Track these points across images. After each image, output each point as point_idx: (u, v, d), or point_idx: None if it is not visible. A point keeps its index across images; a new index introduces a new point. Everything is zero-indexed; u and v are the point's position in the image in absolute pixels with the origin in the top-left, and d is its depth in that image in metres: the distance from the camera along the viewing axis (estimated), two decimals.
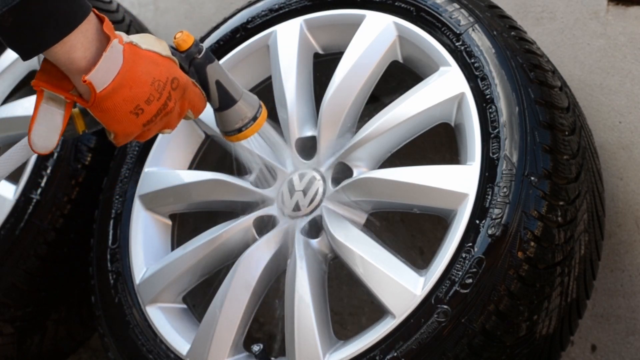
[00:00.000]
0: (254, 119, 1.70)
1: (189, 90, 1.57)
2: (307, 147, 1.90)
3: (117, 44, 1.46)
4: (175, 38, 1.62)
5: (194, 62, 1.63)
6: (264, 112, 1.72)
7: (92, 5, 2.23)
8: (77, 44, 1.41)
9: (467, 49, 1.75)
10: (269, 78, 1.98)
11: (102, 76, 1.44)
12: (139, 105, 1.48)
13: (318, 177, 1.85)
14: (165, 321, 1.89)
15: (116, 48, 1.45)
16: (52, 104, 1.47)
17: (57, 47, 1.40)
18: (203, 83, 1.64)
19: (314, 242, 1.80)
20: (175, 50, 1.62)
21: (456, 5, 1.80)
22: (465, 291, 1.59)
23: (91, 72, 1.42)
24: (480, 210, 1.62)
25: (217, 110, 1.68)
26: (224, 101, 1.67)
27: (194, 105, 1.60)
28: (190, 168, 2.05)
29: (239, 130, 1.69)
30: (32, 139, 1.48)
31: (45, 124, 1.48)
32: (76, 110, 1.55)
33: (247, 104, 1.69)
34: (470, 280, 1.59)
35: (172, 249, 1.99)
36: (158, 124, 1.54)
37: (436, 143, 2.12)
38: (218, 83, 1.65)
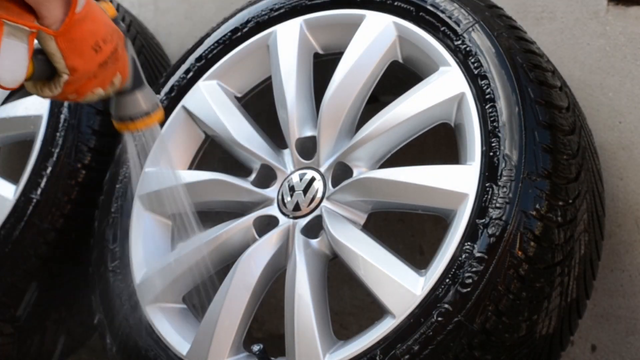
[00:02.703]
0: (158, 105, 1.70)
1: (122, 51, 1.60)
2: (307, 147, 1.90)
3: None
4: (100, 3, 1.63)
5: None
6: (161, 111, 1.71)
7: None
8: None
9: (467, 49, 1.75)
10: (269, 78, 1.98)
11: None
12: (98, 42, 1.52)
13: (318, 177, 1.85)
14: (165, 321, 1.89)
15: None
16: (13, 38, 1.47)
17: None
18: None
19: (314, 242, 1.80)
20: None
21: (456, 5, 1.80)
22: (465, 291, 1.59)
23: None
24: (480, 210, 1.63)
25: (127, 92, 1.66)
26: (136, 80, 1.66)
27: (124, 68, 1.61)
28: (190, 168, 2.05)
29: (147, 113, 1.68)
30: (1, 74, 1.47)
31: (10, 57, 1.47)
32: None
33: (151, 92, 1.69)
34: (470, 280, 1.59)
35: (172, 249, 1.99)
36: (104, 72, 1.55)
37: (436, 143, 2.12)
38: (133, 60, 1.66)
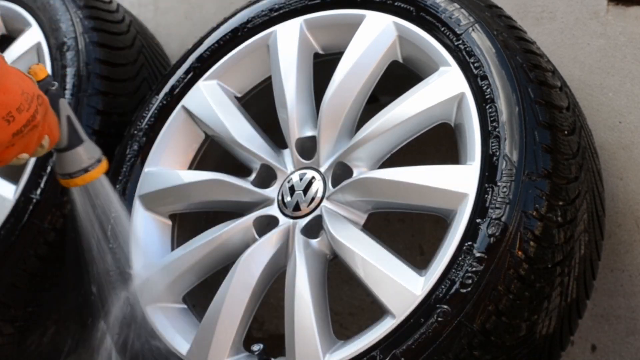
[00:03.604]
0: (99, 160, 1.73)
1: (49, 113, 1.61)
2: (307, 147, 1.89)
3: None
4: (30, 68, 1.66)
5: (48, 92, 1.65)
6: (103, 165, 1.74)
7: (92, 6, 2.25)
8: None
9: (467, 49, 1.75)
10: (269, 78, 1.98)
11: None
12: (11, 112, 1.51)
13: (318, 177, 1.85)
14: (165, 321, 1.88)
15: None
16: None
17: None
18: (57, 115, 1.67)
19: (314, 242, 1.80)
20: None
21: (456, 5, 1.80)
22: (465, 291, 1.59)
23: None
24: (480, 210, 1.62)
25: (64, 149, 1.70)
26: (72, 138, 1.69)
27: (51, 131, 1.63)
28: (190, 168, 2.05)
29: (86, 170, 1.71)
30: None
31: None
32: None
33: (92, 147, 1.72)
34: (470, 280, 1.59)
35: (172, 249, 1.99)
36: (23, 139, 1.55)
37: (436, 143, 2.12)
38: (69, 119, 1.68)
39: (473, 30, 1.76)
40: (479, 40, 1.75)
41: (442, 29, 1.79)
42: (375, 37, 1.86)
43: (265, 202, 1.89)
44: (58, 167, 1.73)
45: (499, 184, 1.62)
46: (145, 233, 1.98)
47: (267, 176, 1.92)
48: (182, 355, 1.83)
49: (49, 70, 2.18)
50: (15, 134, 1.53)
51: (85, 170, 1.72)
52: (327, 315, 1.75)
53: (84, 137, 1.71)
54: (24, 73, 1.59)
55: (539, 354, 1.67)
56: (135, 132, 2.05)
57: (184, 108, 2.03)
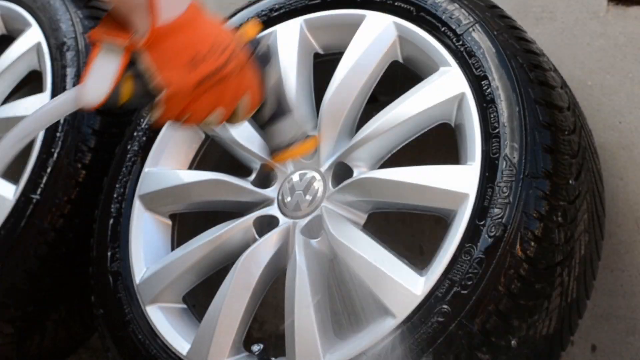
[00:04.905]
0: (304, 134, 1.62)
1: (248, 69, 1.49)
2: None
3: None
4: (242, 26, 1.55)
5: (255, 53, 1.52)
6: (310, 142, 1.64)
7: (92, 6, 2.25)
8: None
9: (468, 49, 1.75)
10: None
11: (166, 3, 1.40)
12: (198, 55, 1.42)
13: (318, 177, 1.85)
14: (165, 321, 1.89)
15: None
16: (108, 56, 1.41)
17: None
18: (261, 79, 1.54)
19: (314, 242, 1.80)
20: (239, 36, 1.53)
21: (456, 5, 1.80)
22: (465, 291, 1.59)
23: None
24: (480, 210, 1.63)
25: (274, 120, 1.58)
26: (279, 108, 1.57)
27: (252, 88, 1.50)
28: (190, 168, 2.05)
29: (289, 144, 1.60)
30: (84, 89, 1.41)
31: (99, 74, 1.41)
32: (129, 74, 1.45)
33: (299, 120, 1.60)
34: (470, 281, 1.59)
35: (172, 249, 1.99)
36: (211, 92, 1.45)
37: (436, 143, 2.12)
38: (275, 86, 1.56)
39: (473, 30, 1.76)
40: (480, 41, 1.75)
41: (443, 29, 1.79)
42: (375, 37, 1.86)
43: (266, 202, 1.89)
44: (272, 142, 1.60)
45: (499, 184, 1.62)
46: (145, 233, 1.98)
47: (267, 176, 1.92)
48: (182, 355, 1.83)
49: (48, 70, 2.18)
50: (200, 82, 1.43)
51: (289, 144, 1.60)
52: (327, 315, 1.75)
53: (290, 108, 1.57)
54: (227, 27, 1.48)
55: (539, 354, 1.67)
56: (135, 132, 2.05)
57: None
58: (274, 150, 1.61)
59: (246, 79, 1.49)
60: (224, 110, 1.49)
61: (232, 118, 1.52)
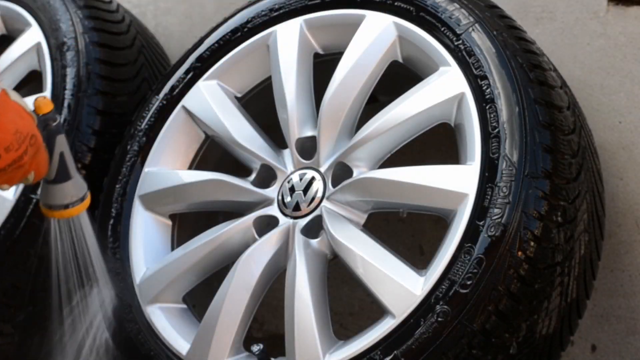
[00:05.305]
0: (82, 199, 1.74)
1: (40, 152, 1.61)
2: (307, 147, 1.90)
3: None
4: (36, 100, 1.66)
5: (47, 128, 1.66)
6: (89, 197, 1.75)
7: (92, 6, 2.25)
8: None
9: (467, 49, 1.75)
10: (269, 78, 1.98)
11: None
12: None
13: (318, 177, 1.85)
14: (165, 321, 1.89)
15: None
16: None
17: None
18: (49, 151, 1.67)
19: (314, 242, 1.80)
20: (33, 111, 1.66)
21: (456, 5, 1.80)
22: (465, 291, 1.59)
23: None
24: (480, 210, 1.62)
25: (51, 182, 1.71)
26: (61, 174, 1.70)
27: (38, 168, 1.63)
28: (190, 168, 2.05)
29: (66, 206, 1.73)
30: None
31: None
32: None
33: (79, 184, 1.73)
34: (470, 281, 1.59)
35: (172, 249, 1.99)
36: (6, 175, 1.56)
37: (436, 143, 2.12)
38: (62, 155, 1.69)
39: (473, 30, 1.76)
40: (479, 40, 1.75)
41: (442, 29, 1.79)
42: (375, 37, 1.86)
43: (265, 202, 1.89)
44: (42, 196, 1.74)
45: (499, 184, 1.62)
46: (145, 233, 1.98)
47: (267, 176, 1.92)
48: (182, 356, 1.83)
49: (48, 71, 2.18)
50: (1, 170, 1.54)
51: (65, 206, 1.73)
52: (327, 315, 1.75)
53: (72, 174, 1.72)
54: (25, 108, 1.59)
55: (539, 354, 1.67)
56: (135, 132, 2.05)
57: (184, 108, 2.03)
58: (49, 207, 1.73)
59: (36, 161, 1.62)
60: (8, 186, 1.61)
61: (17, 184, 1.67)
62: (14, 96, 1.57)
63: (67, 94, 2.09)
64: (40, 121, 1.65)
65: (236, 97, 2.03)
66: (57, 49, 2.17)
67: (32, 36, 2.25)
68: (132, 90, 2.18)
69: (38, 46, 2.22)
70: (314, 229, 1.82)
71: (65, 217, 1.75)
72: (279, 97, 1.93)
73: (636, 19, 1.95)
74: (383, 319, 1.67)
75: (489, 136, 1.67)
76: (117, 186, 2.03)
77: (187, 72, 2.05)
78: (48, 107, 1.66)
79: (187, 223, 2.04)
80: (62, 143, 1.69)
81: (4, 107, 1.52)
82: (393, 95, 1.83)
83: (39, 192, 1.72)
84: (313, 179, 1.85)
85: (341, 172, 1.84)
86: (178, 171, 2.01)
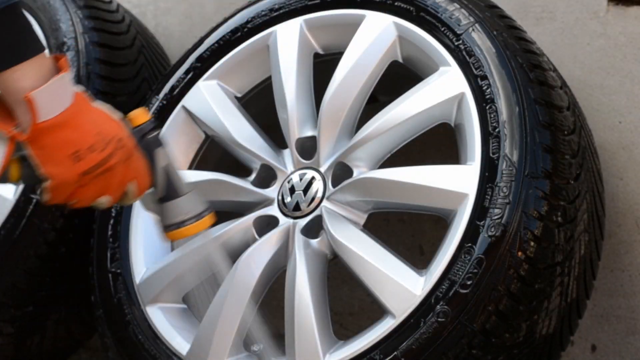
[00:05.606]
0: (198, 217, 1.62)
1: (134, 158, 1.54)
2: (307, 147, 1.90)
3: (69, 79, 1.46)
4: (131, 112, 1.58)
5: (144, 139, 1.57)
6: (211, 216, 1.64)
7: (92, 6, 2.25)
8: (27, 74, 1.41)
9: (467, 49, 1.75)
10: (269, 78, 1.98)
11: (46, 103, 1.43)
12: (79, 151, 1.46)
13: (318, 177, 1.85)
14: (165, 321, 1.88)
15: (67, 82, 1.45)
16: None
17: (6, 73, 1.40)
18: (150, 165, 1.58)
19: (314, 242, 1.80)
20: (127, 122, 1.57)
21: (456, 5, 1.80)
22: (465, 291, 1.59)
23: (36, 90, 1.41)
24: (480, 210, 1.62)
25: (161, 200, 1.61)
26: (170, 190, 1.60)
27: (139, 176, 1.55)
28: (190, 168, 2.05)
29: (178, 225, 1.61)
30: None
31: None
32: (16, 157, 1.50)
33: (194, 201, 1.62)
34: (470, 281, 1.59)
35: (172, 249, 1.99)
36: (97, 182, 1.49)
37: (436, 143, 2.12)
38: (166, 169, 1.59)
39: (473, 30, 1.76)
40: (479, 40, 1.75)
41: (442, 29, 1.79)
42: (375, 37, 1.86)
43: (265, 202, 1.89)
44: (162, 219, 1.63)
45: (499, 184, 1.62)
46: (145, 233, 1.98)
47: (267, 176, 1.92)
48: (182, 356, 1.83)
49: None
50: (84, 173, 1.47)
51: (178, 225, 1.61)
52: (327, 315, 1.75)
53: (184, 190, 1.60)
54: (113, 115, 1.52)
55: (539, 354, 1.67)
56: None
57: (184, 108, 2.03)
58: (166, 227, 1.62)
59: (132, 167, 1.54)
60: (110, 197, 1.53)
61: (122, 200, 1.57)
62: (98, 103, 1.52)
63: None
64: (136, 132, 1.55)
65: (236, 97, 2.04)
66: (57, 49, 2.17)
67: None
68: (132, 90, 2.18)
69: None
70: (314, 229, 1.82)
71: (181, 237, 1.63)
72: (279, 97, 1.93)
73: (636, 19, 1.95)
74: (383, 319, 1.67)
75: (489, 136, 1.67)
76: None
77: (187, 72, 2.05)
78: (143, 117, 1.58)
79: None
80: (164, 156, 1.58)
81: (84, 109, 1.48)
82: (393, 95, 1.83)
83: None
84: (313, 179, 1.85)
85: (341, 172, 1.84)
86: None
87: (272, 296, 1.87)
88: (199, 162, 2.05)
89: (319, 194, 1.83)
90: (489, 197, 1.62)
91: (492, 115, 1.68)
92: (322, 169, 1.85)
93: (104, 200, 1.53)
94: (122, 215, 2.00)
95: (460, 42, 1.76)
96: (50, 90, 1.43)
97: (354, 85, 1.84)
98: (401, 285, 1.66)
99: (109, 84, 2.13)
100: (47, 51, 1.43)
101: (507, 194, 1.61)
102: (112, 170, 1.50)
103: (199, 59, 2.05)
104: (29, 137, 1.44)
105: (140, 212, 1.99)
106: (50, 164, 1.46)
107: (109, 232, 2.00)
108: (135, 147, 1.54)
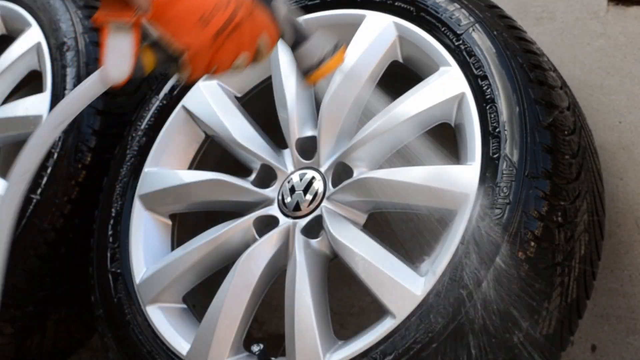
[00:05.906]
0: (334, 50, 1.65)
1: (257, 11, 1.56)
2: (307, 147, 1.90)
3: None
4: None
5: None
6: (344, 47, 1.67)
7: (92, 6, 2.25)
8: None
9: (468, 49, 1.75)
10: (269, 78, 1.98)
11: None
12: (204, 15, 1.49)
13: (318, 177, 1.85)
14: (165, 321, 1.89)
15: None
16: (118, 35, 1.46)
17: None
18: (272, 16, 1.60)
19: (314, 242, 1.80)
20: None
21: (456, 5, 1.80)
22: (466, 291, 1.59)
23: None
24: (480, 210, 1.62)
25: (294, 48, 1.64)
26: (297, 36, 1.63)
27: (267, 27, 1.57)
28: (190, 168, 2.05)
29: (317, 65, 1.64)
30: (106, 70, 1.47)
31: (116, 53, 1.47)
32: (146, 45, 1.52)
33: (324, 37, 1.65)
34: (470, 280, 1.59)
35: (172, 249, 1.99)
36: (230, 41, 1.52)
37: (436, 143, 2.12)
38: (287, 17, 1.62)
39: (473, 30, 1.76)
40: (479, 40, 1.75)
41: (443, 29, 1.79)
42: (375, 37, 1.86)
43: (265, 202, 1.89)
44: (299, 66, 1.66)
45: (499, 184, 1.62)
46: (145, 233, 1.98)
47: (267, 176, 1.93)
48: (182, 356, 1.83)
49: (48, 70, 2.18)
50: (216, 34, 1.50)
51: (318, 64, 1.64)
52: (327, 315, 1.75)
53: (309, 32, 1.63)
54: None
55: (539, 354, 1.67)
56: (135, 132, 2.05)
57: (184, 108, 2.03)
58: (305, 73, 1.65)
59: (258, 20, 1.56)
60: (247, 53, 1.55)
61: (257, 57, 1.59)
62: None
63: (67, 93, 2.09)
64: None
65: (236, 97, 2.04)
66: (57, 49, 2.17)
67: (32, 36, 2.25)
68: (132, 90, 2.18)
69: (38, 46, 2.22)
70: (314, 229, 1.82)
71: (323, 76, 1.65)
72: (279, 97, 1.93)
73: (636, 19, 1.95)
74: (383, 319, 1.67)
75: (489, 136, 1.67)
76: (117, 186, 2.03)
77: None
78: None
79: (187, 223, 2.04)
80: (282, 6, 1.61)
81: None
82: (393, 95, 1.83)
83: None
84: (313, 179, 1.85)
85: (341, 172, 1.84)
86: (178, 171, 2.01)
87: (272, 296, 1.87)
88: (199, 162, 2.05)
89: (319, 194, 1.83)
90: (489, 197, 1.62)
91: (492, 116, 1.68)
92: (322, 169, 1.85)
93: (242, 59, 1.55)
94: (122, 215, 2.00)
95: (461, 42, 1.76)
96: None
97: (354, 85, 1.84)
98: (401, 285, 1.66)
99: None
100: None
101: (507, 194, 1.61)
102: (240, 26, 1.52)
103: None
104: (154, 15, 1.46)
105: (140, 212, 1.99)
106: (182, 35, 1.49)
107: (109, 232, 2.00)
108: (254, 1, 1.56)
